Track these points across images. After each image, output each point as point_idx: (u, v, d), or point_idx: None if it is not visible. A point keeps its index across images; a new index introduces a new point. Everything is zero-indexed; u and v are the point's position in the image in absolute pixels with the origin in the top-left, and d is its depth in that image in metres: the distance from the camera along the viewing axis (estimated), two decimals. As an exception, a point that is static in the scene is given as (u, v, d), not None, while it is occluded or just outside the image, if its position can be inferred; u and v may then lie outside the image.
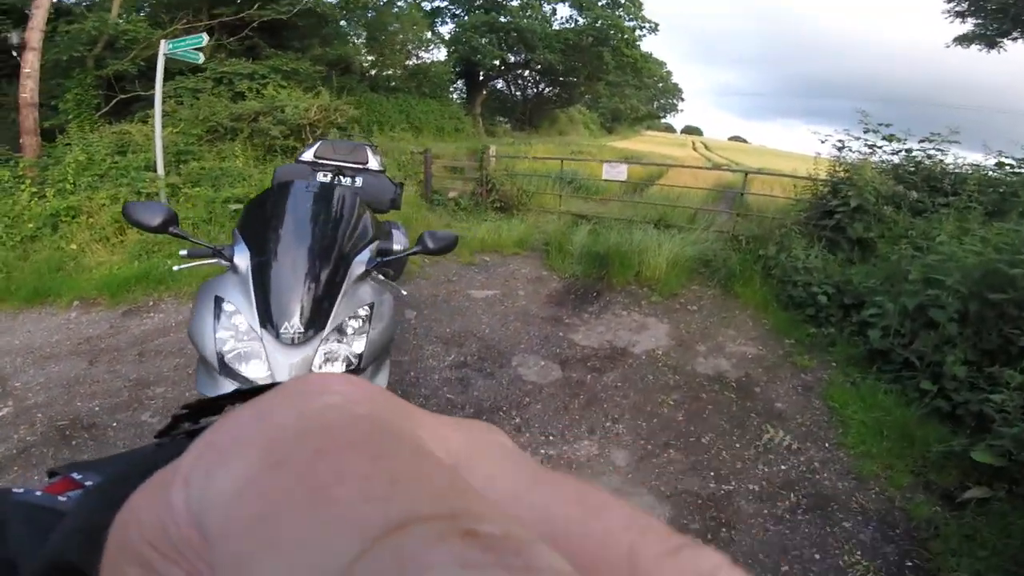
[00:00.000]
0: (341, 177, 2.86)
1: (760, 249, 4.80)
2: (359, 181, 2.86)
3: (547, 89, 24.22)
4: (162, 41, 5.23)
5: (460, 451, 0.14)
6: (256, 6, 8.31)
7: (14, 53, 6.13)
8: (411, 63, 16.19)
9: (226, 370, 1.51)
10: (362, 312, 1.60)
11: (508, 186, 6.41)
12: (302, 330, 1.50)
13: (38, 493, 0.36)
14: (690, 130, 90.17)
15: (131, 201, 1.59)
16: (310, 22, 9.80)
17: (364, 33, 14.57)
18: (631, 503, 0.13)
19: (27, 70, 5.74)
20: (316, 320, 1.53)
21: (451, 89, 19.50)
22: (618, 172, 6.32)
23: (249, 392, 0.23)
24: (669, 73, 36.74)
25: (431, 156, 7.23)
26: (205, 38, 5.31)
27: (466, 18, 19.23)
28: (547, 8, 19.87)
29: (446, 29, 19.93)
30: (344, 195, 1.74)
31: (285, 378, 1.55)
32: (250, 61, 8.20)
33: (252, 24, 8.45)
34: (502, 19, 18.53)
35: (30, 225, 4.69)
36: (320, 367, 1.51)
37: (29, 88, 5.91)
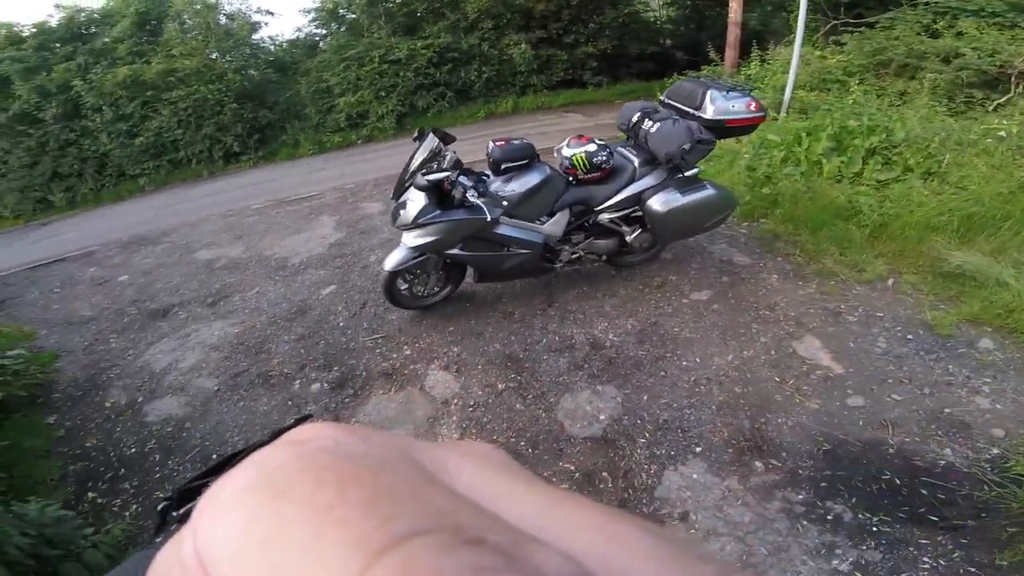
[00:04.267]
0: (645, 119, 2.74)
1: None
2: (654, 127, 2.64)
3: None
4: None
5: (464, 474, 0.14)
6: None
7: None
8: None
9: None
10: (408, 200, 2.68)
11: None
12: (394, 194, 2.76)
13: None
14: None
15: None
16: None
17: None
18: (659, 530, 0.12)
19: (734, -7, 6.78)
20: (399, 193, 2.73)
21: None
22: None
23: (224, 462, 0.27)
24: None
25: None
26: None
27: None
28: None
29: None
30: (437, 140, 2.63)
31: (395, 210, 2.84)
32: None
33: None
34: None
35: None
36: (400, 211, 2.67)
37: (734, 9, 7.02)
